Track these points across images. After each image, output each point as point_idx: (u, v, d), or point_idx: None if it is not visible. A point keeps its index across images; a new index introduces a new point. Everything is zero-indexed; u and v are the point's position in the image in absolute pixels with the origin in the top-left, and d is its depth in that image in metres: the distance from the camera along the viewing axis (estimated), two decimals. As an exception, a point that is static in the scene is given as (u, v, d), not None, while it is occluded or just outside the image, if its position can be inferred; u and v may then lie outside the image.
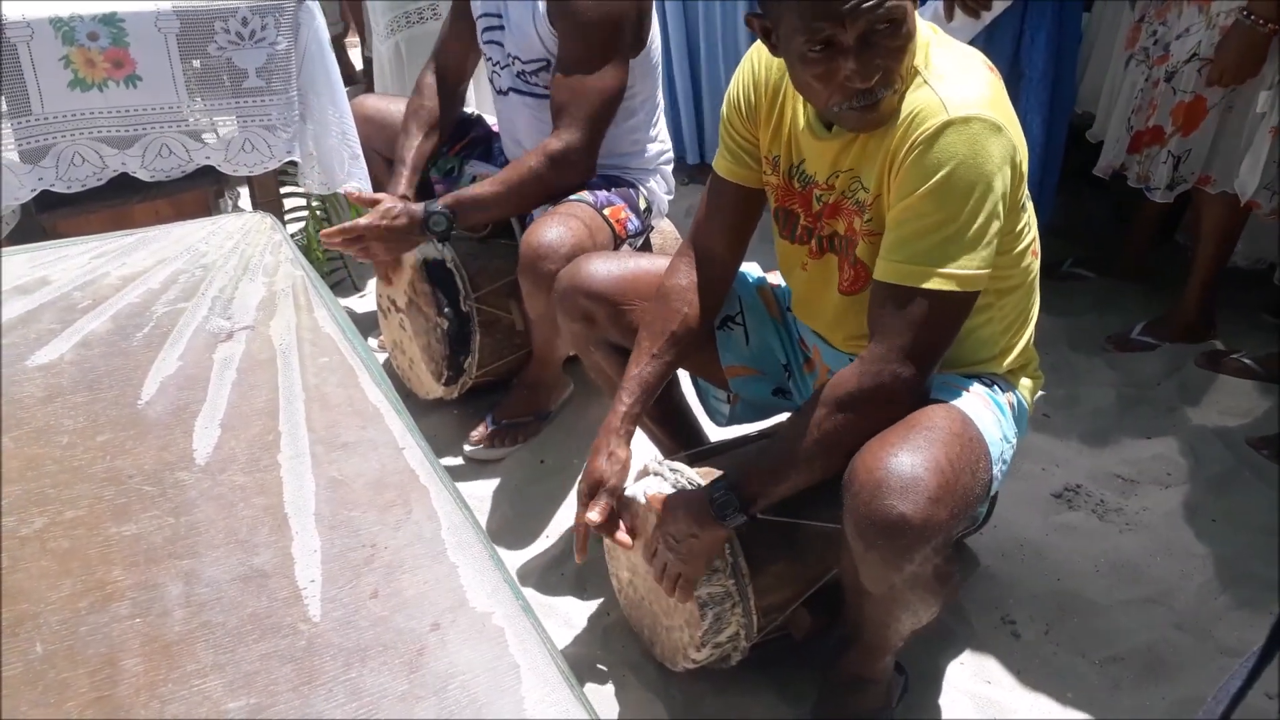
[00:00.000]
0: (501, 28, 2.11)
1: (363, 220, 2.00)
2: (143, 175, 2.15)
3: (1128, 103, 2.57)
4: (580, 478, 1.54)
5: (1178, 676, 1.70)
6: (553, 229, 1.92)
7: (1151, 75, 2.48)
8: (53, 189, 2.07)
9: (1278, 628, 0.73)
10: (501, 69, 2.16)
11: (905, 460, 1.25)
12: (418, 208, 2.00)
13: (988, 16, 2.50)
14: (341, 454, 0.95)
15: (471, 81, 2.43)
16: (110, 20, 2.00)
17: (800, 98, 1.42)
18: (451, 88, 2.30)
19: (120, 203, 2.22)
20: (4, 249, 1.30)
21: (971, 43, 2.20)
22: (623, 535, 1.54)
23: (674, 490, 1.53)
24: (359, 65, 4.43)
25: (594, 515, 1.50)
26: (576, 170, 2.05)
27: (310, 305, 1.18)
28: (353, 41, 4.59)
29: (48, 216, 2.17)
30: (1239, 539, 1.98)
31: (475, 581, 0.82)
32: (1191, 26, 2.35)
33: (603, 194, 2.10)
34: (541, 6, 2.00)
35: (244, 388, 1.04)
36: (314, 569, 0.83)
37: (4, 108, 1.97)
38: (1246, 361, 2.46)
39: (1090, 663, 1.73)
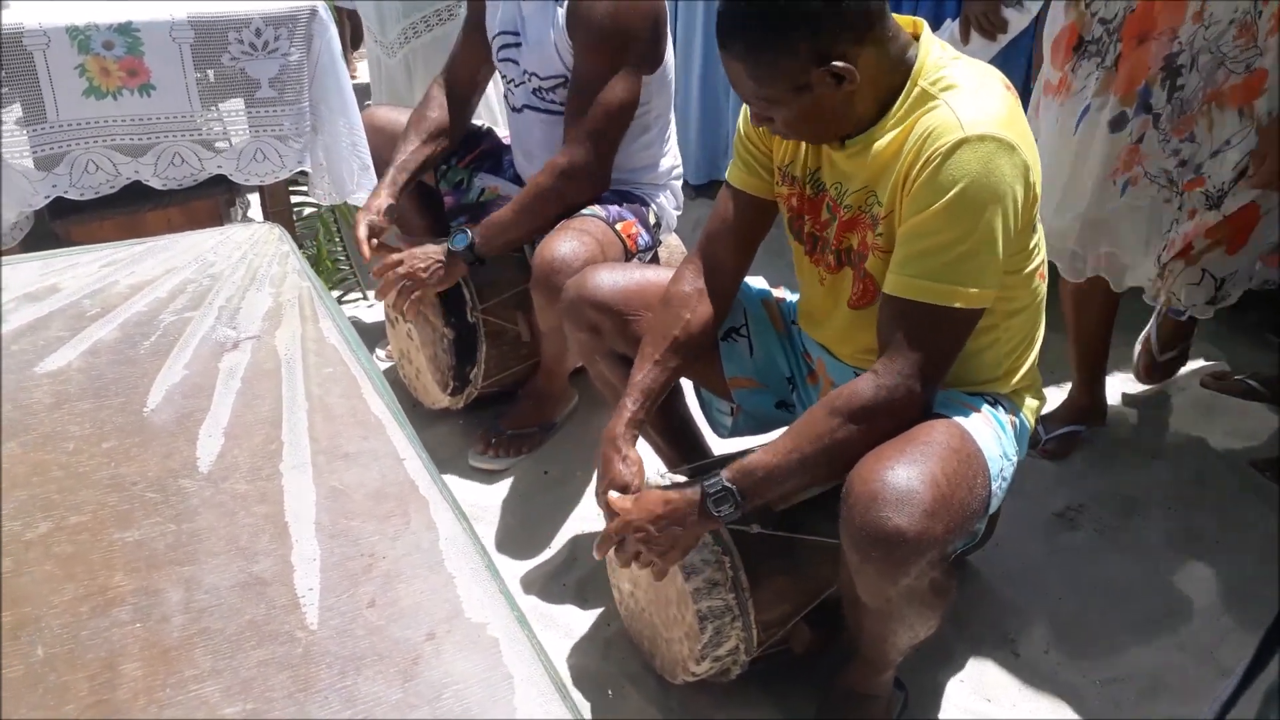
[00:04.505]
0: (518, 45, 2.12)
1: (398, 256, 2.09)
2: (155, 183, 2.17)
3: (1147, 231, 2.02)
4: (597, 487, 1.52)
5: (1179, 698, 1.69)
6: (566, 243, 1.94)
7: (1182, 203, 1.96)
8: (66, 196, 2.09)
9: (1262, 648, 0.74)
10: (516, 86, 2.18)
11: (901, 473, 1.26)
12: (440, 248, 2.08)
13: (1004, 39, 2.50)
14: (343, 464, 0.96)
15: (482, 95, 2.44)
16: (126, 30, 2.02)
17: None
18: (461, 99, 2.31)
19: (132, 210, 2.23)
20: (17, 256, 1.32)
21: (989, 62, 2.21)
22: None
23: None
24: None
25: None
26: (588, 183, 2.07)
27: (316, 316, 1.20)
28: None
29: (60, 223, 2.19)
30: (1242, 561, 1.98)
31: (471, 592, 0.83)
32: (1233, 138, 1.88)
33: (615, 208, 2.11)
34: (561, 19, 2.02)
35: (248, 397, 1.05)
36: (313, 577, 0.84)
37: (2, 116, 1.99)
38: (1252, 383, 2.45)
39: (1091, 683, 1.73)
